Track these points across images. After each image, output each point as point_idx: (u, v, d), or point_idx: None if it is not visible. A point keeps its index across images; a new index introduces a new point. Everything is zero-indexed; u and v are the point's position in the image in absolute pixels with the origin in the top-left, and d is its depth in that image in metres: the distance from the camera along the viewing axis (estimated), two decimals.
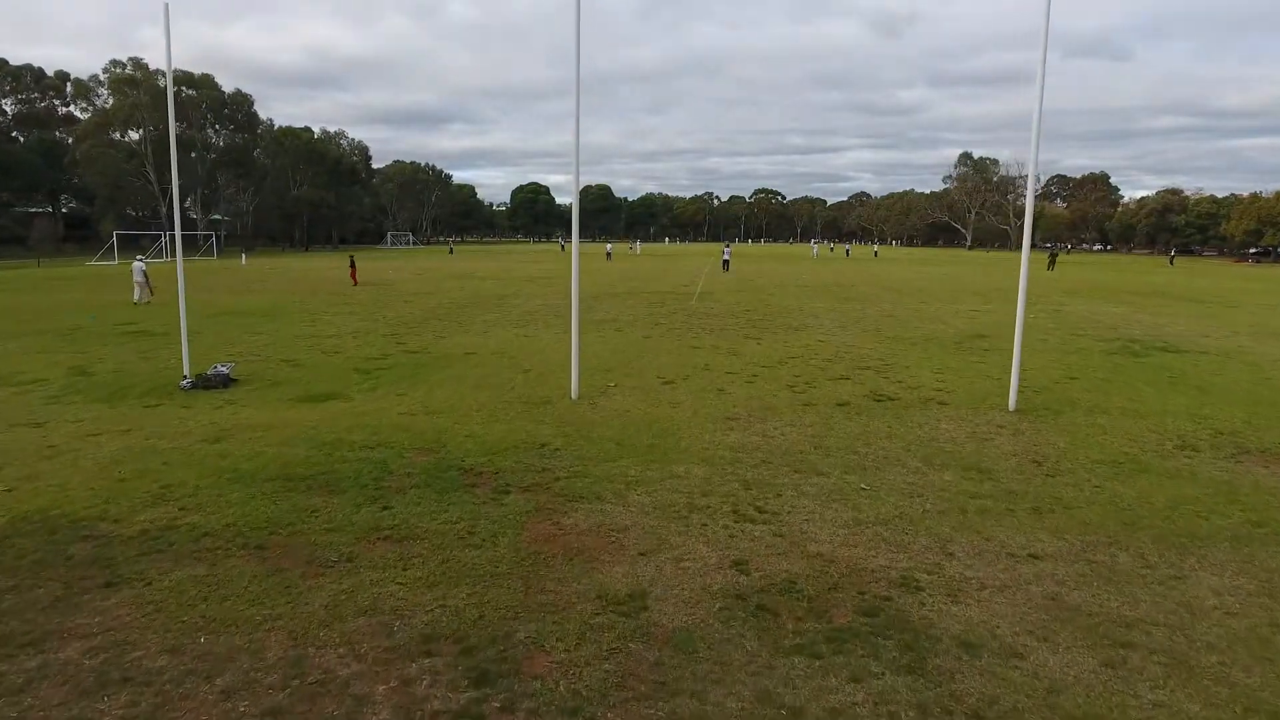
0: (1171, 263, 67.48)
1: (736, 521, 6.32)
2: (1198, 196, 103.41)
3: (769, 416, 9.98)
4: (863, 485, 7.20)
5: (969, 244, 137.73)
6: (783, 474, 7.57)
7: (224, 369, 11.95)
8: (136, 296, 26.12)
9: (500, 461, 7.94)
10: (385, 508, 6.61)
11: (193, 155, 75.75)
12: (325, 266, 51.27)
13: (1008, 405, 10.50)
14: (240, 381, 12.07)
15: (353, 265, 34.46)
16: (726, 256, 46.71)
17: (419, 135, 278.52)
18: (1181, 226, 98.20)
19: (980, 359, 14.64)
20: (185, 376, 11.69)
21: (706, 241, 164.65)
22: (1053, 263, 51.57)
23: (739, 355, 14.89)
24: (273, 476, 7.42)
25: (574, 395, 11.08)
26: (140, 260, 29.13)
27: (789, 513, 6.52)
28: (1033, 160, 10.15)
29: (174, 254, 69.01)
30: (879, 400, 10.96)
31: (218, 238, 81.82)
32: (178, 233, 11.90)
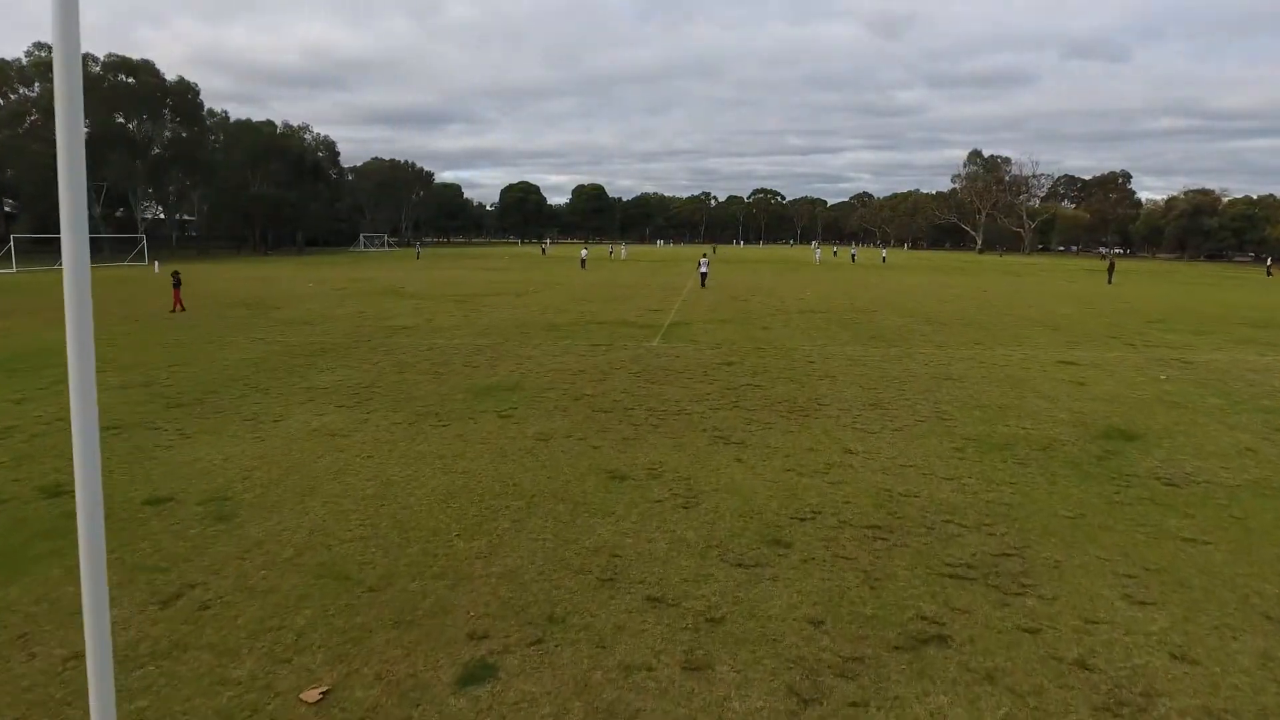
0: (1269, 273, 57.31)
1: None
2: (1230, 198, 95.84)
3: None
4: None
5: (979, 247, 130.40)
6: None
7: None
8: None
9: None
10: None
11: (126, 149, 68.14)
12: (249, 277, 43.82)
13: None
14: None
15: (176, 284, 25.48)
16: (704, 269, 36.85)
17: (419, 136, 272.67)
18: (1215, 229, 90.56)
19: (1189, 524, 7.08)
20: None
21: (703, 244, 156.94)
22: (1111, 274, 43.79)
23: (694, 507, 7.38)
24: None
25: None
26: None
27: None
28: None
29: (107, 259, 61.41)
30: None
31: (155, 238, 74.27)
32: None
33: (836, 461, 8.88)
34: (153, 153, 72.28)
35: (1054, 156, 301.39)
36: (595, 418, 10.87)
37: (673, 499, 7.62)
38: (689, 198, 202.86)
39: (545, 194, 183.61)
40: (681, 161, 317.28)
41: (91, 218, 69.85)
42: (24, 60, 66.28)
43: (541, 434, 9.98)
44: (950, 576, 5.92)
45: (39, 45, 66.48)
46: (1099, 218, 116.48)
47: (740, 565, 6.11)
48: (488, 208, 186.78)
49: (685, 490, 7.87)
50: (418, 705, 4.31)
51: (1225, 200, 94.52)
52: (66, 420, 10.51)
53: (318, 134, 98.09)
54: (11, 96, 66.78)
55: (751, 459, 8.96)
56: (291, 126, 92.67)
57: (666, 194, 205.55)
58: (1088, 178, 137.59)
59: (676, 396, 12.24)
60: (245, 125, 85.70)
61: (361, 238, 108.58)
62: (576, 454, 9.12)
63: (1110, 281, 42.43)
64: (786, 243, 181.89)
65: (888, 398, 12.26)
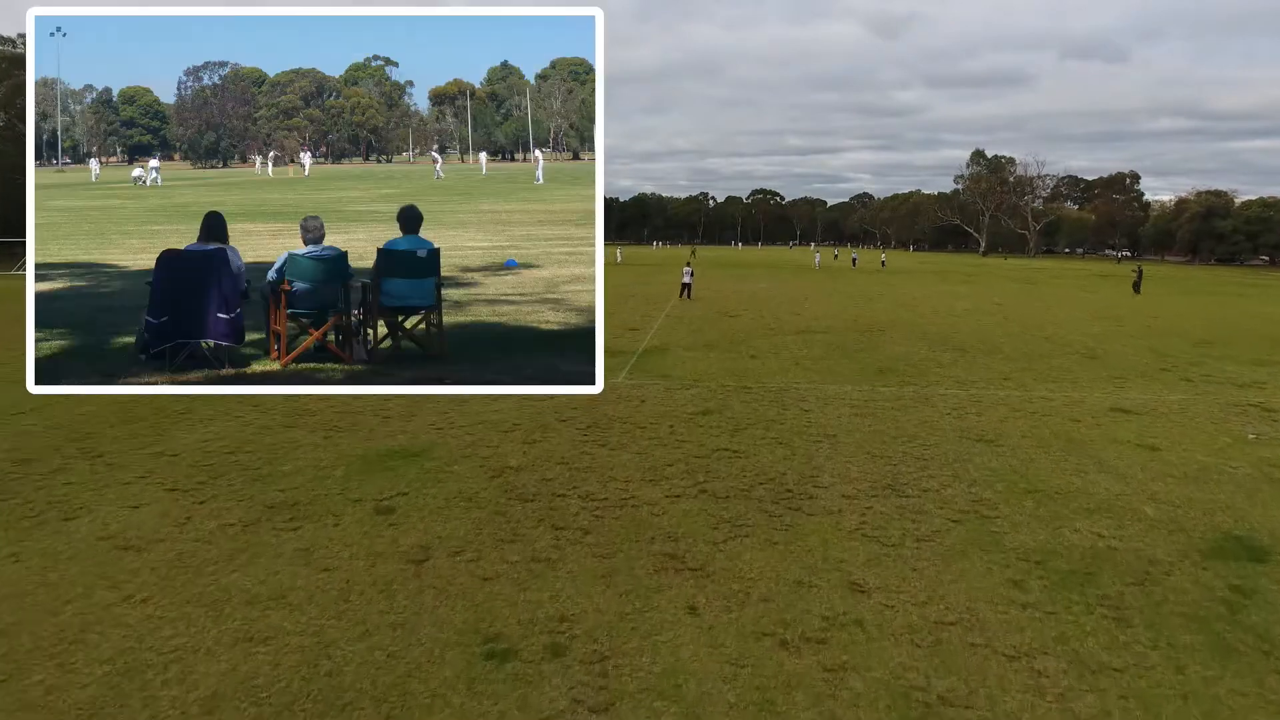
0: None
1: None
2: (1243, 199, 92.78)
3: None
4: None
5: (982, 249, 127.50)
6: None
7: None
8: None
9: None
10: None
11: None
12: None
13: None
14: None
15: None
16: (687, 279, 33.03)
17: None
18: (1229, 232, 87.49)
19: None
20: None
21: (702, 244, 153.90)
22: (1139, 284, 40.59)
23: None
24: None
25: None
26: None
27: None
28: None
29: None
30: None
31: None
32: None
33: (838, 613, 5.92)
34: None
35: (1054, 157, 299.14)
36: (507, 513, 7.92)
37: (570, 713, 4.67)
38: (687, 198, 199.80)
39: None
40: (682, 161, 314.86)
41: None
42: None
43: (419, 549, 7.02)
44: None
45: (2, 39, 63.59)
46: (1105, 219, 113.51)
47: None
48: None
49: (596, 688, 4.92)
50: None
51: (1238, 202, 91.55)
52: None
53: None
54: None
55: (712, 607, 6.01)
56: None
57: (665, 194, 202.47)
58: (1090, 178, 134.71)
59: (627, 472, 9.27)
60: None
61: None
62: (453, 595, 6.16)
63: (1138, 291, 39.33)
64: (788, 244, 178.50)
65: (906, 475, 9.28)
